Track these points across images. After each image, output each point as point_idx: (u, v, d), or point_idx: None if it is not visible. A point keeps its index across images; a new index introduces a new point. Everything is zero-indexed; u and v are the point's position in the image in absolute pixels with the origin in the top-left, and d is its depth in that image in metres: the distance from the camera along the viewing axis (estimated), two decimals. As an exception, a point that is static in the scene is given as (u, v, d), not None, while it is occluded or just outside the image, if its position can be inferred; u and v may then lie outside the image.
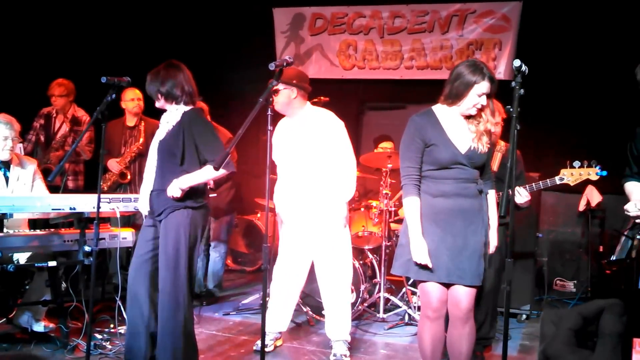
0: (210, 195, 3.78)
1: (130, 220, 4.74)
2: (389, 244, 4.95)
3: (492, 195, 3.12)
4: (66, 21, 6.25)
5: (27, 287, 4.24)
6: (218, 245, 5.35)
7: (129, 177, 5.29)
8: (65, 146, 5.39)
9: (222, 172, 3.16)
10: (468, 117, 3.02)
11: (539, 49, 6.07)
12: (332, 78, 7.04)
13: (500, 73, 6.38)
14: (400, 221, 4.92)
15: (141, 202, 3.41)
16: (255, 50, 7.01)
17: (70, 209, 3.57)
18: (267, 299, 3.80)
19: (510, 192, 2.70)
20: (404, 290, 4.97)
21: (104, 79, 3.25)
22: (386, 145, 5.73)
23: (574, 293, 5.61)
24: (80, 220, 3.73)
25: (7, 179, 4.05)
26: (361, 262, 4.97)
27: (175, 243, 3.22)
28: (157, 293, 3.29)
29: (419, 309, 4.39)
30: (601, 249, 5.52)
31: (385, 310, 4.87)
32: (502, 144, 3.90)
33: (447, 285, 3.00)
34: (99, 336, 4.00)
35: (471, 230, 2.96)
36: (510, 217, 2.73)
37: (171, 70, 3.35)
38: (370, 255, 5.08)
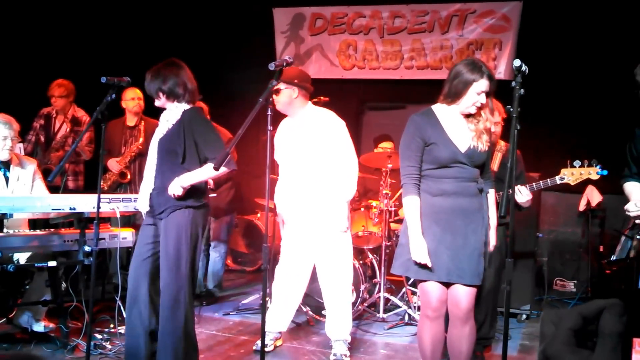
0: (210, 195, 3.78)
1: (130, 220, 4.74)
2: (389, 244, 4.95)
3: (491, 195, 3.12)
4: (66, 21, 6.25)
5: (27, 287, 4.24)
6: (218, 245, 5.35)
7: (129, 176, 5.29)
8: (65, 147, 5.39)
9: (223, 170, 3.16)
10: (467, 115, 3.02)
11: (539, 49, 6.07)
12: (332, 78, 7.04)
13: (500, 73, 6.38)
14: (400, 221, 4.92)
15: (141, 200, 3.41)
16: (255, 50, 7.01)
17: (70, 209, 3.57)
18: (267, 299, 3.80)
19: (510, 192, 2.70)
20: (404, 290, 4.97)
21: (104, 79, 3.25)
22: (386, 145, 5.73)
23: (574, 293, 5.61)
24: (80, 220, 3.72)
25: (7, 179, 4.05)
26: (361, 262, 4.97)
27: (177, 243, 3.22)
28: (158, 292, 3.29)
29: (419, 308, 4.38)
30: (601, 249, 5.52)
31: (385, 310, 4.87)
32: (502, 144, 3.90)
33: (447, 285, 3.00)
34: (99, 336, 4.00)
35: (471, 229, 2.96)
36: (511, 217, 2.73)
37: (173, 68, 3.34)
38: (370, 255, 5.08)
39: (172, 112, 3.36)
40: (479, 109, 2.98)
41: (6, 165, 4.06)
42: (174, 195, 3.21)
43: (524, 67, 2.66)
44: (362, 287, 4.80)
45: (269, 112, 2.85)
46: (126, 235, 3.96)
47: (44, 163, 5.25)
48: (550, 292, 5.67)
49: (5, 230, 3.68)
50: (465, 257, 2.93)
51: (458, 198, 2.95)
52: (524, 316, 5.05)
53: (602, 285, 5.33)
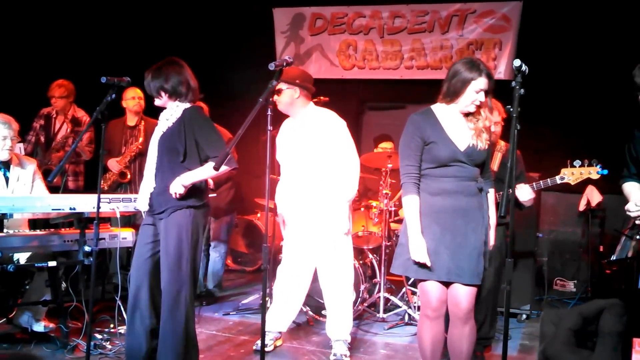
0: (210, 195, 3.77)
1: (130, 220, 4.74)
2: (389, 243, 4.95)
3: (491, 194, 3.12)
4: (66, 21, 6.25)
5: (27, 287, 4.24)
6: (218, 245, 5.35)
7: (128, 176, 5.29)
8: (66, 147, 5.39)
9: (224, 168, 3.16)
10: (467, 114, 3.02)
11: (539, 49, 6.08)
12: (332, 78, 7.04)
13: (501, 73, 6.38)
14: (400, 221, 4.92)
15: (140, 199, 3.40)
16: (255, 50, 7.01)
17: (70, 209, 3.57)
18: (267, 299, 3.80)
19: (510, 192, 2.70)
20: (404, 290, 4.97)
21: (103, 79, 3.25)
22: (386, 146, 5.73)
23: (574, 293, 5.61)
24: (80, 220, 3.72)
25: (7, 179, 4.05)
26: (361, 262, 4.97)
27: (177, 243, 3.21)
28: (159, 292, 3.28)
29: (419, 308, 4.38)
30: (601, 248, 5.52)
31: (385, 310, 4.87)
32: (502, 144, 3.90)
33: (447, 285, 3.00)
34: (99, 336, 4.00)
35: (471, 228, 2.96)
36: (511, 217, 2.73)
37: (175, 67, 3.33)
38: (370, 255, 5.08)
39: (173, 110, 3.35)
40: (478, 107, 2.98)
41: (6, 165, 4.06)
42: (175, 194, 3.20)
43: (524, 67, 2.66)
44: (362, 287, 4.80)
45: (269, 112, 2.85)
46: (126, 235, 3.96)
47: (45, 163, 5.25)
48: (550, 292, 5.67)
49: (5, 230, 3.68)
50: (464, 257, 2.93)
51: (458, 197, 2.95)
52: (524, 316, 5.05)
53: (602, 285, 5.33)
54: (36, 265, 3.78)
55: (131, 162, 5.28)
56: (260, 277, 3.14)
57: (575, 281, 5.66)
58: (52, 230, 3.91)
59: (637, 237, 4.76)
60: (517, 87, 2.64)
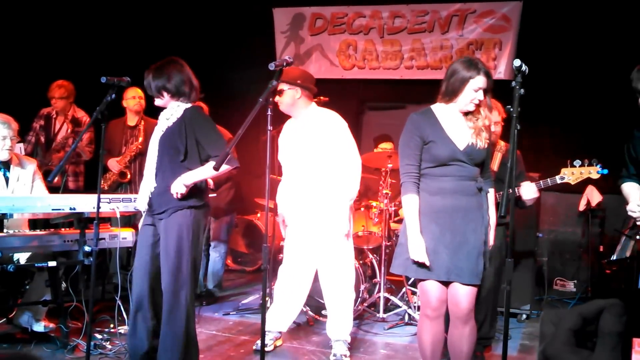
0: (210, 195, 3.77)
1: (130, 220, 4.74)
2: (389, 243, 4.95)
3: (491, 194, 3.12)
4: (66, 21, 6.25)
5: (27, 287, 4.24)
6: (218, 245, 5.35)
7: (128, 176, 5.29)
8: (66, 147, 5.38)
9: (226, 167, 3.16)
10: (466, 114, 3.02)
11: (539, 49, 6.08)
12: (332, 78, 7.04)
13: (501, 73, 6.39)
14: (400, 221, 4.92)
15: (140, 199, 3.40)
16: (255, 50, 7.01)
17: (70, 209, 3.57)
18: (267, 298, 3.80)
19: (510, 191, 2.70)
20: (404, 290, 4.97)
21: (103, 79, 3.25)
22: (386, 146, 5.73)
23: (574, 293, 5.61)
24: (80, 220, 3.72)
25: (7, 179, 4.05)
26: (361, 262, 4.97)
27: (178, 243, 3.21)
28: (160, 292, 3.28)
29: (419, 308, 4.38)
30: (601, 248, 5.52)
31: (385, 310, 4.87)
32: (502, 144, 3.90)
33: (447, 284, 3.00)
34: (99, 336, 4.00)
35: (470, 228, 2.95)
36: (511, 217, 2.73)
37: (177, 66, 3.32)
38: (370, 255, 5.08)
39: (173, 110, 3.34)
40: (478, 106, 2.98)
41: (6, 165, 4.06)
42: (176, 194, 3.20)
43: (524, 67, 2.66)
44: (362, 287, 4.80)
45: (269, 112, 2.85)
46: (126, 235, 3.96)
47: (45, 164, 5.25)
48: (550, 292, 5.67)
49: (5, 230, 3.68)
50: (464, 256, 2.93)
51: (457, 197, 2.95)
52: (524, 316, 5.05)
53: (602, 285, 5.33)
54: (36, 265, 3.78)
55: (131, 162, 5.28)
56: (260, 277, 3.14)
57: (575, 281, 5.66)
58: (52, 230, 3.91)
59: (638, 237, 4.76)
60: (517, 87, 2.64)
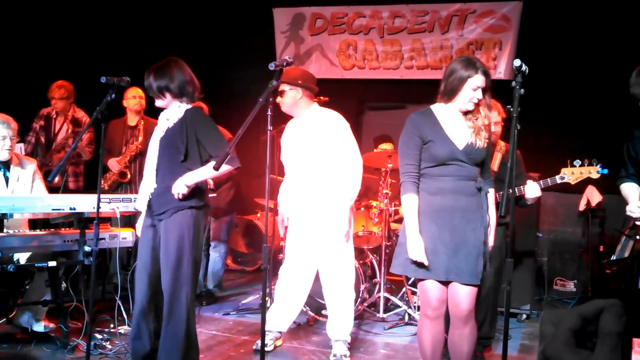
0: (210, 195, 3.77)
1: (130, 220, 4.74)
2: (389, 243, 4.95)
3: (491, 194, 3.12)
4: (66, 21, 6.25)
5: (27, 287, 4.24)
6: (218, 245, 5.35)
7: (129, 176, 5.29)
8: (66, 148, 5.38)
9: (227, 167, 3.16)
10: (466, 113, 3.02)
11: (539, 49, 6.08)
12: (332, 78, 7.04)
13: (501, 73, 6.39)
14: (400, 221, 4.92)
15: (140, 200, 3.39)
16: (255, 50, 7.01)
17: (70, 209, 3.57)
18: (267, 298, 3.80)
19: (510, 191, 2.70)
20: (404, 290, 4.97)
21: (103, 79, 3.24)
22: (386, 147, 5.73)
23: (574, 293, 5.61)
24: (80, 220, 3.72)
25: (7, 179, 4.05)
26: (361, 262, 4.97)
27: (179, 243, 3.20)
28: (161, 293, 3.28)
29: (419, 308, 4.38)
30: (601, 248, 5.52)
31: (385, 310, 4.86)
32: (502, 144, 3.90)
33: (447, 284, 3.00)
34: (99, 336, 4.00)
35: (470, 228, 2.95)
36: (511, 217, 2.73)
37: (178, 66, 3.32)
38: (370, 255, 5.08)
39: (174, 111, 3.33)
40: (477, 105, 2.98)
41: (6, 165, 4.06)
42: (178, 195, 3.20)
43: (524, 67, 2.66)
44: (362, 287, 4.80)
45: (269, 112, 2.85)
46: (126, 235, 3.96)
47: (46, 165, 5.25)
48: (550, 292, 5.68)
49: (5, 230, 3.68)
50: (463, 256, 2.93)
51: (456, 196, 2.95)
52: (524, 316, 5.06)
53: (602, 285, 5.33)
54: (36, 265, 3.78)
55: (131, 161, 5.28)
56: (260, 277, 3.14)
57: (575, 281, 5.66)
58: (52, 230, 3.91)
59: (638, 237, 4.76)
60: (517, 87, 2.65)
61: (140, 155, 5.19)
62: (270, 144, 2.88)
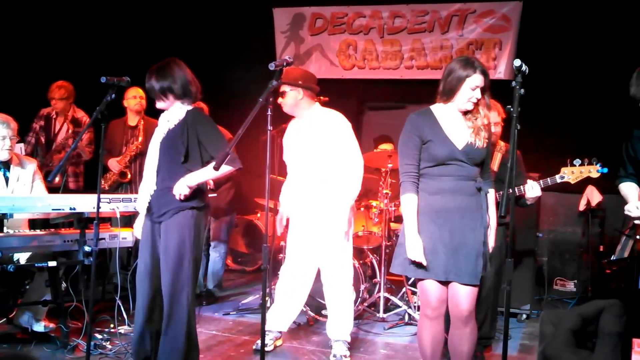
0: (210, 195, 3.77)
1: (130, 220, 4.73)
2: (389, 243, 4.95)
3: (491, 195, 3.12)
4: (66, 21, 6.25)
5: (27, 287, 4.24)
6: (218, 245, 5.35)
7: (129, 176, 5.29)
8: (67, 148, 5.37)
9: (229, 168, 3.16)
10: (465, 113, 3.02)
11: (539, 49, 6.07)
12: (332, 78, 7.04)
13: (501, 73, 6.39)
14: (400, 220, 4.92)
15: (140, 201, 3.38)
16: (255, 50, 7.01)
17: (70, 209, 3.57)
18: (267, 298, 3.80)
19: (510, 191, 2.70)
20: (404, 290, 4.97)
21: (103, 79, 3.24)
22: (386, 147, 5.73)
23: (574, 293, 5.61)
24: (80, 220, 3.72)
25: (7, 179, 4.05)
26: (361, 261, 4.97)
27: (179, 244, 3.20)
28: (161, 293, 3.28)
29: (419, 308, 4.38)
30: (601, 248, 5.52)
31: (385, 310, 4.87)
32: (502, 144, 3.90)
33: (447, 284, 3.00)
34: (99, 336, 4.00)
35: (469, 228, 2.95)
36: (511, 217, 2.73)
37: (179, 67, 3.31)
38: (370, 255, 5.08)
39: (175, 112, 3.32)
40: (476, 105, 2.98)
41: (6, 165, 4.06)
42: (179, 196, 3.20)
43: (524, 67, 2.66)
44: (362, 287, 4.80)
45: (269, 112, 2.85)
46: (126, 235, 3.96)
47: (46, 165, 5.24)
48: (550, 292, 5.68)
49: (5, 230, 3.68)
50: (462, 256, 2.93)
51: (456, 196, 2.95)
52: (524, 316, 5.06)
53: (602, 285, 5.33)
54: (36, 265, 3.78)
55: (131, 161, 5.28)
56: (260, 277, 3.14)
57: (576, 281, 5.66)
58: (52, 230, 3.91)
59: (637, 236, 4.76)
60: (517, 87, 2.65)
61: (141, 155, 5.19)
62: (270, 144, 2.88)
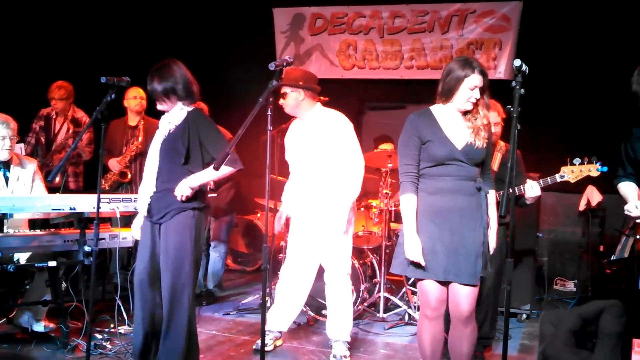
0: (210, 195, 3.77)
1: (130, 220, 4.73)
2: (389, 243, 4.95)
3: (491, 195, 3.12)
4: (66, 21, 6.25)
5: (27, 287, 4.24)
6: (218, 245, 5.35)
7: (129, 176, 5.29)
8: (67, 148, 5.37)
9: (230, 169, 3.17)
10: (465, 113, 3.02)
11: (539, 49, 6.07)
12: (332, 78, 7.04)
13: (501, 73, 6.39)
14: (400, 220, 4.92)
15: (140, 203, 3.38)
16: (255, 50, 7.01)
17: (70, 209, 3.57)
18: (267, 298, 3.80)
19: (510, 191, 2.70)
20: (404, 290, 4.97)
21: (103, 79, 3.24)
22: (386, 147, 5.72)
23: (574, 292, 5.61)
24: (80, 220, 3.72)
25: (7, 179, 4.05)
26: (361, 261, 4.97)
27: (180, 244, 3.20)
28: (160, 294, 3.28)
29: (419, 308, 4.38)
30: (601, 248, 5.52)
31: (385, 310, 4.87)
32: (502, 144, 3.90)
33: (447, 285, 3.00)
34: (99, 336, 4.00)
35: (469, 228, 2.95)
36: (511, 217, 2.73)
37: (179, 67, 3.30)
38: (370, 255, 5.08)
39: (176, 113, 3.32)
40: (476, 105, 2.98)
41: (6, 165, 4.06)
42: (181, 197, 3.19)
43: (524, 67, 2.66)
44: (362, 287, 4.80)
45: (269, 112, 2.85)
46: (126, 235, 3.96)
47: (46, 165, 5.24)
48: (550, 292, 5.68)
49: (5, 230, 3.68)
50: (462, 257, 2.93)
51: (455, 196, 2.95)
52: (524, 316, 5.06)
53: (602, 285, 5.33)
54: (36, 265, 3.78)
55: (131, 161, 5.28)
56: (260, 277, 3.14)
57: (576, 281, 5.66)
58: (52, 230, 3.91)
59: (637, 236, 4.76)
60: (517, 87, 2.65)
61: (141, 155, 5.19)
62: (270, 144, 2.89)
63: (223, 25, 7.29)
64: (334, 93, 4.75)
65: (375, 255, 5.08)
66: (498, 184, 3.36)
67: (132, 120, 5.34)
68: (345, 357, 3.88)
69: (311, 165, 3.94)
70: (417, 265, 2.94)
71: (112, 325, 4.17)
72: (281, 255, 4.86)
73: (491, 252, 3.04)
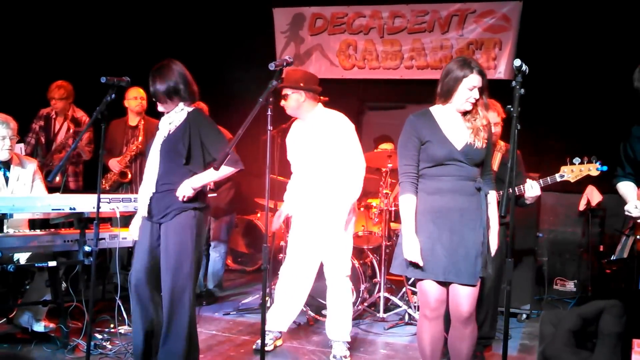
0: (210, 195, 3.77)
1: (130, 220, 4.73)
2: (389, 243, 4.95)
3: (492, 196, 3.11)
4: (66, 21, 6.25)
5: (27, 287, 4.24)
6: (218, 245, 5.35)
7: (129, 176, 5.29)
8: (67, 148, 5.37)
9: (231, 169, 3.16)
10: (464, 114, 3.02)
11: (539, 49, 6.08)
12: (332, 78, 7.04)
13: (501, 73, 6.39)
14: (400, 220, 4.92)
15: (140, 203, 3.38)
16: (255, 50, 7.01)
17: (70, 209, 3.57)
18: (267, 298, 3.80)
19: (510, 191, 2.70)
20: (404, 290, 4.97)
21: (103, 79, 3.24)
22: (386, 147, 5.72)
23: (574, 292, 5.61)
24: (80, 220, 3.72)
25: (7, 179, 4.05)
26: (361, 261, 4.97)
27: (181, 244, 3.20)
28: (161, 294, 3.28)
29: (419, 308, 4.38)
30: (601, 248, 5.52)
31: (385, 310, 4.87)
32: (502, 144, 3.91)
33: (446, 285, 3.00)
34: (99, 336, 4.00)
35: (468, 228, 2.95)
36: (511, 217, 2.74)
37: (179, 66, 3.30)
38: (370, 255, 5.08)
39: (176, 114, 3.31)
40: (475, 105, 2.98)
41: (6, 165, 4.06)
42: (183, 197, 3.19)
43: (524, 67, 2.66)
44: (362, 287, 4.80)
45: (269, 112, 2.85)
46: (126, 235, 3.95)
47: (46, 165, 5.24)
48: (550, 292, 5.68)
49: (5, 230, 3.68)
50: (461, 257, 2.93)
51: (455, 196, 2.95)
52: (524, 316, 5.06)
53: (602, 285, 5.33)
54: (36, 265, 3.78)
55: (131, 161, 5.28)
56: (260, 277, 3.15)
57: (576, 281, 5.66)
58: (52, 230, 3.91)
59: (638, 236, 4.76)
60: (517, 87, 2.65)
61: (141, 155, 5.19)
62: (270, 144, 2.88)
63: (223, 25, 7.29)
64: (334, 93, 4.75)
65: (375, 255, 5.08)
66: (498, 184, 3.36)
67: (133, 120, 5.34)
68: (345, 357, 3.88)
69: (312, 165, 3.95)
70: (416, 265, 2.94)
71: (112, 325, 4.17)
72: (281, 255, 4.86)
73: (492, 254, 3.04)
